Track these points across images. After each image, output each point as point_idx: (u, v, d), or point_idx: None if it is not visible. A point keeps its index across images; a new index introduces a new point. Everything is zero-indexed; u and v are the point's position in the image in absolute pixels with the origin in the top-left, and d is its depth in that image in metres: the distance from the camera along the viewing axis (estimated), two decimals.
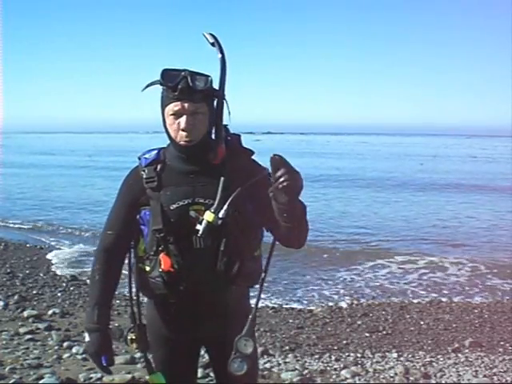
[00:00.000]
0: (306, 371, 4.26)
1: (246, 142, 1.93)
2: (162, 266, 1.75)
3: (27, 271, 7.86)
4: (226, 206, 1.70)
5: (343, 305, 6.55)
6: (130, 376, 3.84)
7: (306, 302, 6.67)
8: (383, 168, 27.41)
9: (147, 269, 1.83)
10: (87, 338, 1.84)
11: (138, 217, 1.83)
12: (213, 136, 1.83)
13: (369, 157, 38.70)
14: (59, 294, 6.63)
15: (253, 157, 1.89)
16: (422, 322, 5.85)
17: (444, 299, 6.82)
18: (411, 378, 4.20)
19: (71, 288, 6.99)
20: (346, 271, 8.15)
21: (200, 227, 1.71)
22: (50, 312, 5.72)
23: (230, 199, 1.70)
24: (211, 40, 1.79)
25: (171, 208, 1.77)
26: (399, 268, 8.38)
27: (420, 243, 10.29)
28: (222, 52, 1.78)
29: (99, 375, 3.86)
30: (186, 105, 1.72)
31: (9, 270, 7.78)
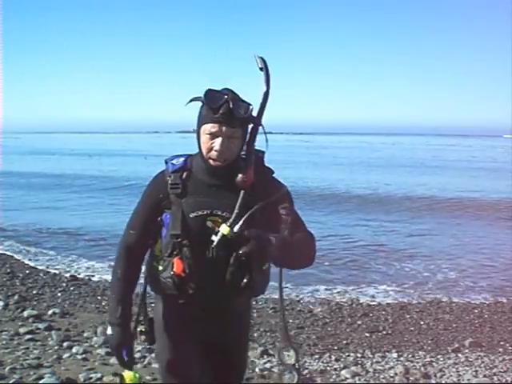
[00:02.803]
0: (306, 371, 4.26)
1: None
2: (174, 269, 1.82)
3: (27, 271, 7.86)
4: (241, 222, 1.77)
5: (343, 305, 6.54)
6: None
7: (306, 301, 6.67)
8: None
9: (160, 268, 1.90)
10: (110, 332, 1.93)
11: (159, 218, 1.90)
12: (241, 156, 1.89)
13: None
14: (59, 294, 6.63)
15: (274, 175, 1.96)
16: (421, 322, 5.85)
17: (444, 299, 6.82)
18: (411, 378, 4.20)
19: (71, 288, 6.98)
20: (347, 269, 8.17)
21: (215, 238, 1.78)
22: (50, 312, 5.72)
23: (246, 216, 1.77)
24: (261, 65, 1.84)
25: (190, 216, 1.84)
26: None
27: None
28: (267, 80, 1.84)
29: (99, 375, 3.86)
30: (223, 128, 1.78)
31: (9, 270, 7.77)
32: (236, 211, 1.78)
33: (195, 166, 1.91)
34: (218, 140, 1.78)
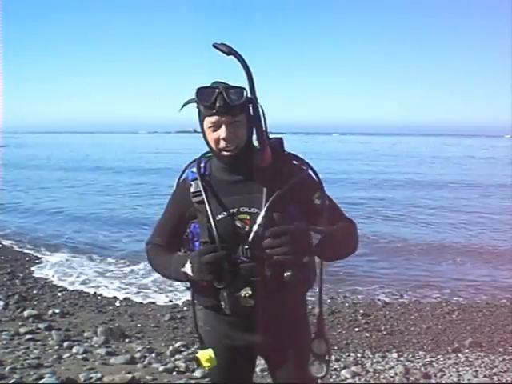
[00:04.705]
0: None
1: None
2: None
3: (27, 271, 7.86)
4: (263, 213, 1.67)
5: (344, 305, 6.54)
6: (130, 376, 3.84)
7: None
8: None
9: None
10: (188, 270, 1.69)
11: (188, 231, 1.83)
12: (254, 143, 1.81)
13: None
14: (59, 294, 6.64)
15: (294, 161, 1.86)
16: (422, 322, 5.85)
17: (444, 299, 6.82)
18: (411, 378, 4.20)
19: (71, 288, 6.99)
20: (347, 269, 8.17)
21: (250, 238, 1.68)
22: (49, 312, 5.73)
23: (267, 206, 1.68)
24: (226, 50, 1.74)
25: (217, 219, 1.75)
26: None
27: None
28: (242, 61, 1.75)
29: (99, 375, 3.86)
30: (224, 119, 1.72)
31: (9, 270, 7.78)
32: (265, 207, 1.68)
33: (214, 168, 1.85)
34: (222, 128, 1.73)
